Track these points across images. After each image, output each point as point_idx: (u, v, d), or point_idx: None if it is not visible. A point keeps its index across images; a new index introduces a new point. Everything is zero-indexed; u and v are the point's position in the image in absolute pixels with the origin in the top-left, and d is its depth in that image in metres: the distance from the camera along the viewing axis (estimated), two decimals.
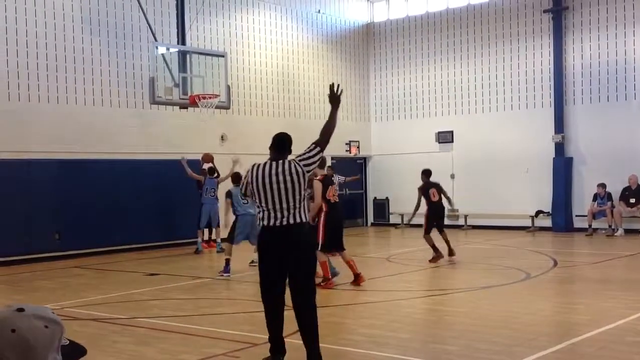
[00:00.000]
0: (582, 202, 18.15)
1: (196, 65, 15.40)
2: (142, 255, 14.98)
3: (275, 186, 5.69)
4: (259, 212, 5.85)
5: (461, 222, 20.07)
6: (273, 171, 5.74)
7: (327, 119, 6.08)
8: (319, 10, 20.89)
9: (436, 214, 12.99)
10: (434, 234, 12.80)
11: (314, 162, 5.82)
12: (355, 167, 21.87)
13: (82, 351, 1.74)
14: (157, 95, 14.44)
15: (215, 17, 18.14)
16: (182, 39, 16.39)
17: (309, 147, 5.87)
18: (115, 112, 15.96)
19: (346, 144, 21.49)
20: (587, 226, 17.53)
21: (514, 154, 19.14)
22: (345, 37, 21.81)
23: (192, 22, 16.84)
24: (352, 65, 21.95)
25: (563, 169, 18.49)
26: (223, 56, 15.80)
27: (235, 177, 12.52)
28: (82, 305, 9.22)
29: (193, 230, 15.88)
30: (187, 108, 15.58)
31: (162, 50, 15.17)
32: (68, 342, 1.70)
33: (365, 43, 22.35)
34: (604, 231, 17.44)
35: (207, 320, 8.20)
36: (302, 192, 5.76)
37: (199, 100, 14.72)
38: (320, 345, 6.20)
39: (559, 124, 18.64)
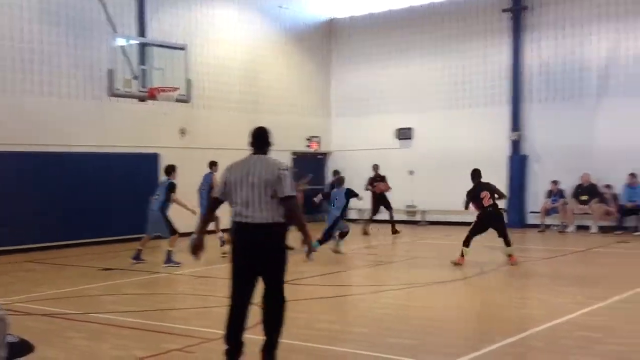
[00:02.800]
0: (536, 199, 18.55)
1: (156, 58, 15.21)
2: (97, 250, 14.79)
3: (249, 180, 5.56)
4: (232, 208, 5.67)
5: (418, 217, 20.31)
6: (250, 165, 5.63)
7: (301, 229, 5.78)
8: (281, 5, 20.84)
9: None
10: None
11: (283, 184, 5.52)
12: (314, 163, 21.92)
13: (29, 348, 1.74)
14: (115, 88, 14.24)
15: (176, 10, 17.95)
16: (142, 30, 16.19)
17: (292, 186, 5.63)
18: (72, 104, 15.70)
19: (307, 139, 21.52)
20: (540, 222, 17.92)
21: (472, 150, 19.40)
22: (307, 32, 21.81)
23: (153, 14, 16.66)
24: (313, 61, 21.97)
25: (518, 166, 18.85)
26: (183, 49, 15.63)
27: (168, 169, 12.54)
28: (34, 300, 9.07)
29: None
30: (145, 101, 15.40)
31: (121, 42, 14.96)
32: (17, 339, 1.70)
33: (327, 39, 22.39)
34: (556, 227, 17.86)
35: (163, 316, 8.15)
36: (274, 191, 5.52)
37: (159, 93, 14.57)
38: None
39: (516, 122, 18.99)
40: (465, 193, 12.14)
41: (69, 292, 9.65)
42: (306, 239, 5.81)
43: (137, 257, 12.52)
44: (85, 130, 15.86)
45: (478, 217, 11.82)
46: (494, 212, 11.85)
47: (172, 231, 12.34)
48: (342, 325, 7.52)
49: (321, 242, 13.13)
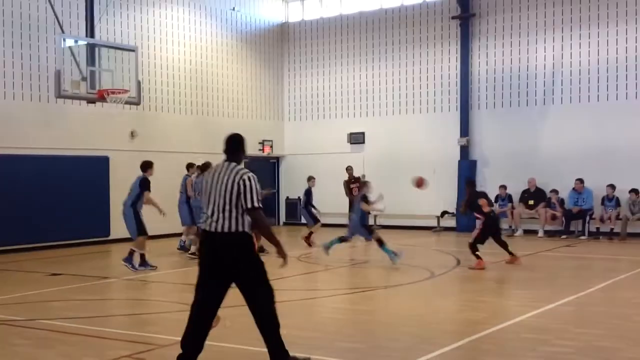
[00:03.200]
0: None
1: (105, 59, 15.00)
2: (45, 255, 14.43)
3: (217, 188, 5.53)
4: (202, 215, 5.69)
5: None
6: (220, 173, 5.59)
7: (269, 239, 5.71)
8: (234, 8, 20.76)
9: None
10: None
11: (245, 195, 5.45)
12: (268, 167, 21.89)
13: None
14: (63, 89, 13.95)
15: (127, 10, 17.69)
16: (91, 31, 15.90)
17: (258, 197, 5.53)
18: (18, 106, 15.31)
19: (259, 143, 21.46)
20: None
21: (422, 155, 19.69)
22: (260, 36, 21.77)
23: (102, 14, 16.38)
24: (266, 64, 21.94)
25: (467, 171, 19.18)
26: (134, 50, 15.45)
27: (144, 165, 12.27)
28: None
29: (99, 229, 15.52)
30: (94, 103, 15.14)
31: (69, 42, 14.67)
32: None
33: (279, 42, 22.39)
34: (504, 231, 18.19)
35: (113, 322, 8.02)
36: (241, 202, 5.45)
37: (108, 95, 14.34)
38: (227, 345, 6.20)
39: (465, 128, 19.34)
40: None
41: (16, 298, 9.39)
42: (277, 249, 5.74)
43: (144, 263, 12.01)
44: (32, 132, 15.47)
45: (484, 223, 12.21)
46: (496, 217, 12.67)
47: (141, 232, 11.87)
48: (291, 329, 7.51)
49: (370, 236, 13.30)
